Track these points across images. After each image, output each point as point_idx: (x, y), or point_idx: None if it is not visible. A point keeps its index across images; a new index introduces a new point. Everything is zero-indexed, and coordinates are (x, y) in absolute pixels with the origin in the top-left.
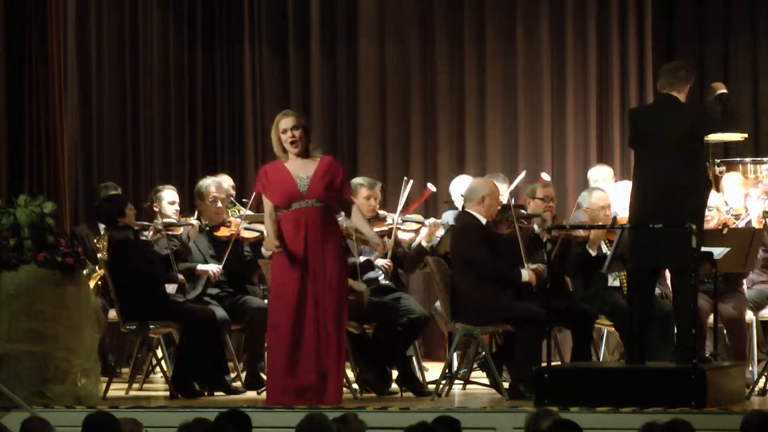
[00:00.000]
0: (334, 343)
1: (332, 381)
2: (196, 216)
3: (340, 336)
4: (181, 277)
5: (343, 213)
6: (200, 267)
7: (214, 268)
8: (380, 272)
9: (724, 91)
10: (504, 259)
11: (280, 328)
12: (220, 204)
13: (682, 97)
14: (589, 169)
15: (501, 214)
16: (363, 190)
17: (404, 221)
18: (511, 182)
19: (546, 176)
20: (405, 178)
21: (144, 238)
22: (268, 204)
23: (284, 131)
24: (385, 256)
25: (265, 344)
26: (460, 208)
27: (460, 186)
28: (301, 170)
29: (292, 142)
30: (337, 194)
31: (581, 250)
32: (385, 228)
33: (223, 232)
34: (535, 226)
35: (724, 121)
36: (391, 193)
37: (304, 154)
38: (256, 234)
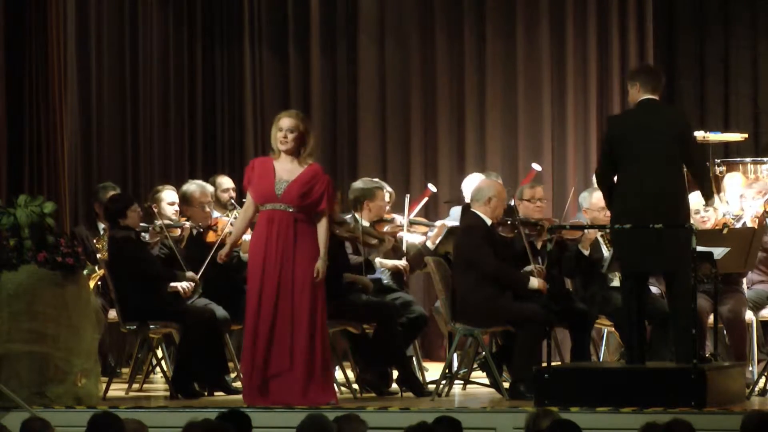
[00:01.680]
0: (306, 345)
1: (313, 380)
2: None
3: (315, 337)
4: (190, 274)
5: (350, 214)
6: (172, 284)
7: (184, 285)
8: (384, 273)
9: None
10: (506, 262)
11: (252, 330)
12: (207, 208)
13: (658, 97)
14: (592, 172)
15: (504, 217)
16: (380, 192)
17: (411, 224)
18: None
19: (537, 167)
20: (407, 195)
21: (144, 239)
22: (249, 198)
23: (280, 129)
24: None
25: None
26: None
27: (472, 184)
28: (286, 173)
29: (281, 142)
30: (313, 203)
31: (575, 250)
32: (391, 230)
33: (211, 236)
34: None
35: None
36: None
37: (296, 156)
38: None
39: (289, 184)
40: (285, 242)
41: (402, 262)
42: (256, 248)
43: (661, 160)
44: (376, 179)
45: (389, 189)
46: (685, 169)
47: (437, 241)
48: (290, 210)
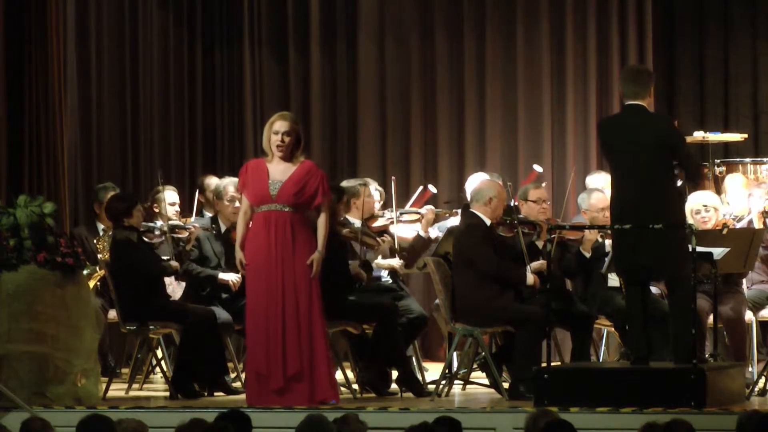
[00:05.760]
0: (307, 345)
1: (316, 380)
2: (211, 215)
3: (314, 336)
4: (174, 263)
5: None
6: (222, 276)
7: (233, 277)
8: (383, 272)
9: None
10: (505, 261)
11: (254, 334)
12: (237, 203)
13: (647, 103)
14: (588, 175)
15: (502, 217)
16: (364, 189)
17: (402, 214)
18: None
19: (538, 168)
20: (393, 178)
21: (147, 240)
22: (244, 201)
23: (276, 132)
24: (392, 255)
25: None
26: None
27: (476, 184)
28: (280, 173)
29: (278, 146)
30: (308, 200)
31: (575, 251)
32: (383, 224)
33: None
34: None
35: (693, 174)
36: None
37: (288, 158)
38: None
39: (283, 184)
40: (283, 242)
41: (397, 262)
42: (254, 250)
43: (639, 168)
44: (357, 178)
45: (378, 187)
46: (673, 177)
47: (428, 228)
48: (285, 210)
